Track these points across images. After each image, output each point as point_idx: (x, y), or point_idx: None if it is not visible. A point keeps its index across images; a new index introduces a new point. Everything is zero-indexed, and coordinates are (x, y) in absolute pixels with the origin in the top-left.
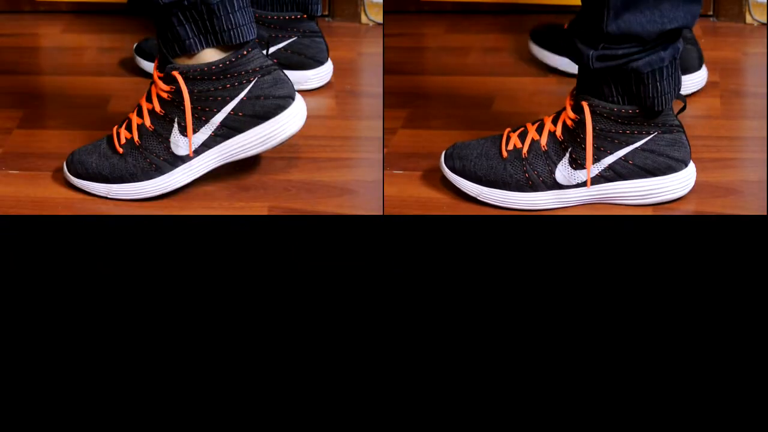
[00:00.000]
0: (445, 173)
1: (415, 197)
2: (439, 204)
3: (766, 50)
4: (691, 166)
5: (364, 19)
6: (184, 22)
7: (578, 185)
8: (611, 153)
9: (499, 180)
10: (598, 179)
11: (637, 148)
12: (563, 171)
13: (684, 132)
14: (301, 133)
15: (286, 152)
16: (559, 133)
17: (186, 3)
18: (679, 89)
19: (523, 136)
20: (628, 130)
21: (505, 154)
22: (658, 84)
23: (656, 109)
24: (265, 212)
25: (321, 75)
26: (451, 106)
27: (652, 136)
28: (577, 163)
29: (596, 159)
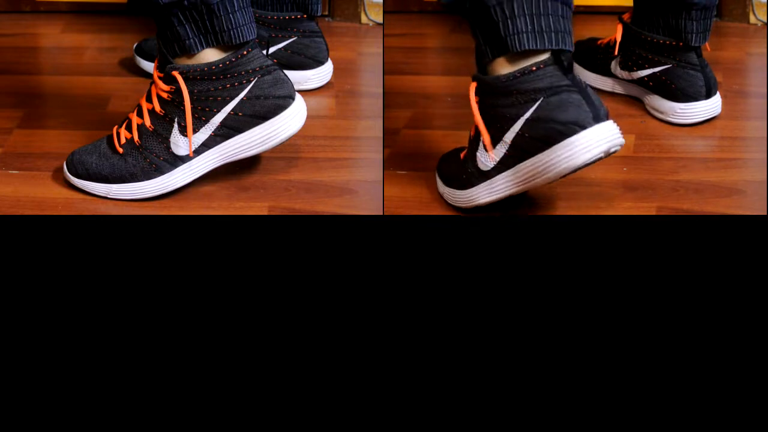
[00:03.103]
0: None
1: (418, 197)
2: (442, 204)
3: None
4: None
5: (364, 19)
6: (184, 22)
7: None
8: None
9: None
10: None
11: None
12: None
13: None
14: (301, 133)
15: (286, 152)
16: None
17: (186, 3)
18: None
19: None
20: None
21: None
22: (509, 21)
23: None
24: (265, 212)
25: (321, 75)
26: (454, 107)
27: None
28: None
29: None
